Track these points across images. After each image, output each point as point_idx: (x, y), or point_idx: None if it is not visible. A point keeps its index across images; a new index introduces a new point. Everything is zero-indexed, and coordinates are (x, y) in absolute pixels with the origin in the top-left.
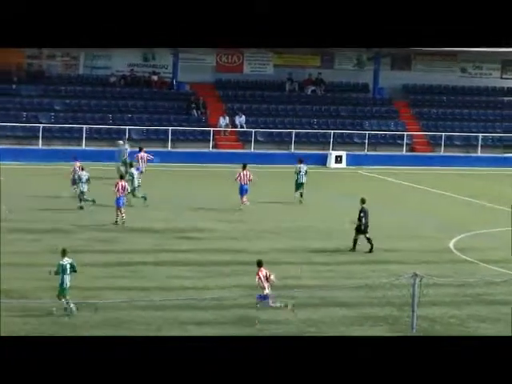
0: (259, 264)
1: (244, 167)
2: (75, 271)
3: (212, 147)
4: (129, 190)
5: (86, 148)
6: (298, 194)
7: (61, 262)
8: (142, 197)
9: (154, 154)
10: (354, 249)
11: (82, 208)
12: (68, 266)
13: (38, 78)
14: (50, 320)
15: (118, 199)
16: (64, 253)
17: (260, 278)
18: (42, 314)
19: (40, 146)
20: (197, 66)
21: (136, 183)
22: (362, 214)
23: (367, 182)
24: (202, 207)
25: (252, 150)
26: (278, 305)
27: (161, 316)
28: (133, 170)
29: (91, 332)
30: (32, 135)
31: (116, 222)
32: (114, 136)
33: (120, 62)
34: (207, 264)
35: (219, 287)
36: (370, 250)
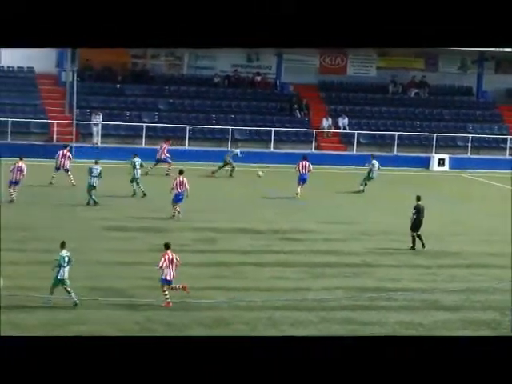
0: (166, 246)
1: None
2: (70, 263)
3: (314, 148)
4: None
5: (189, 148)
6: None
7: (60, 254)
8: None
9: (257, 154)
10: (413, 247)
11: (88, 203)
12: (66, 259)
13: (143, 78)
14: (158, 319)
15: (176, 195)
16: (63, 245)
17: (165, 260)
18: (148, 311)
19: (143, 145)
20: (300, 68)
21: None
22: (414, 211)
23: (469, 185)
24: (304, 208)
25: (354, 152)
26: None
27: (257, 316)
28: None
29: (198, 332)
30: (135, 134)
31: (173, 216)
32: (217, 136)
33: (224, 62)
34: (310, 265)
35: (322, 288)
36: (423, 246)
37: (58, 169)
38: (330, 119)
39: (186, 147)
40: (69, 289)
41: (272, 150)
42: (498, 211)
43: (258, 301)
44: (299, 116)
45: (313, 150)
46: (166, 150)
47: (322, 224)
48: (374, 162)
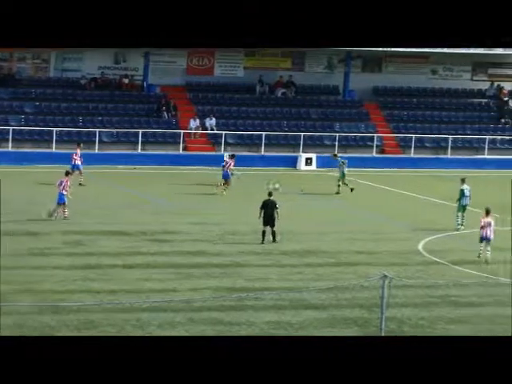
0: None
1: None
2: None
3: (182, 149)
4: None
5: (56, 151)
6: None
7: None
8: None
9: (124, 156)
10: (262, 241)
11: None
12: None
13: (8, 81)
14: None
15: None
16: None
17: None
18: None
19: (10, 149)
20: (167, 69)
21: None
22: (261, 205)
23: (336, 183)
24: (171, 210)
25: (222, 152)
26: None
27: (125, 318)
28: None
29: (64, 334)
30: (1, 138)
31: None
32: (84, 139)
33: (91, 64)
34: (177, 266)
35: (190, 289)
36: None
37: None
38: (197, 120)
39: (53, 150)
40: None
41: (139, 151)
42: (365, 209)
43: (126, 302)
44: (167, 117)
45: (181, 151)
46: (79, 156)
47: (191, 225)
48: (345, 160)
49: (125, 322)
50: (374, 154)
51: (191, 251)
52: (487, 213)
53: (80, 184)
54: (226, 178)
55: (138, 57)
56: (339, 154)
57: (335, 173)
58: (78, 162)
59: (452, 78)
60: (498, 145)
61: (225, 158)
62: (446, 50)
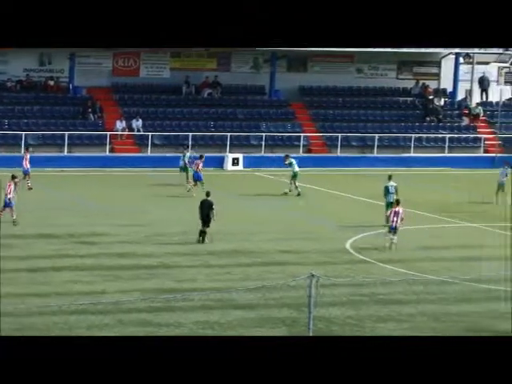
0: None
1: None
2: None
3: (109, 151)
4: None
5: None
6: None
7: None
8: None
9: (50, 159)
10: (202, 241)
11: None
12: None
13: None
14: None
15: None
16: None
17: None
18: None
19: None
20: (93, 70)
21: None
22: (200, 205)
23: (263, 183)
24: (99, 212)
25: (149, 153)
26: None
27: (53, 321)
28: None
29: None
30: None
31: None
32: (9, 142)
33: (16, 66)
34: (105, 268)
35: (118, 291)
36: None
37: None
38: (123, 121)
39: None
40: None
41: (66, 153)
42: (293, 209)
43: (54, 305)
44: (93, 119)
45: (107, 153)
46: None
47: (119, 227)
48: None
49: (53, 324)
50: (301, 154)
51: (119, 253)
52: (397, 203)
53: (29, 188)
54: (197, 179)
55: (63, 59)
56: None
57: (260, 173)
58: (28, 166)
59: (377, 77)
60: (423, 143)
61: (186, 160)
62: (370, 48)
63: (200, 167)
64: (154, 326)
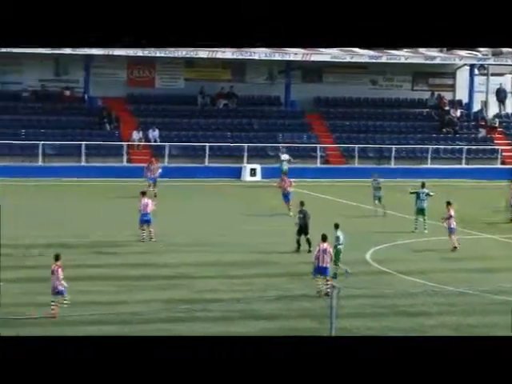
0: None
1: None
2: None
3: (126, 161)
4: None
5: None
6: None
7: None
8: None
9: (67, 169)
10: (298, 249)
11: None
12: None
13: None
14: None
15: None
16: None
17: None
18: None
19: None
20: (108, 81)
21: None
22: (300, 215)
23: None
24: (119, 222)
25: (166, 164)
26: None
27: (72, 331)
28: None
29: None
30: None
31: None
32: (26, 152)
33: (31, 77)
34: (124, 279)
35: (139, 301)
36: (309, 251)
37: None
38: (140, 132)
39: None
40: None
41: (83, 164)
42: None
43: (74, 315)
44: (109, 129)
45: (124, 163)
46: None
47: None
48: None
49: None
50: (318, 165)
51: (140, 263)
52: (323, 239)
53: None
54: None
55: (78, 69)
56: None
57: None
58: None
59: (392, 88)
60: (440, 154)
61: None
62: (385, 59)
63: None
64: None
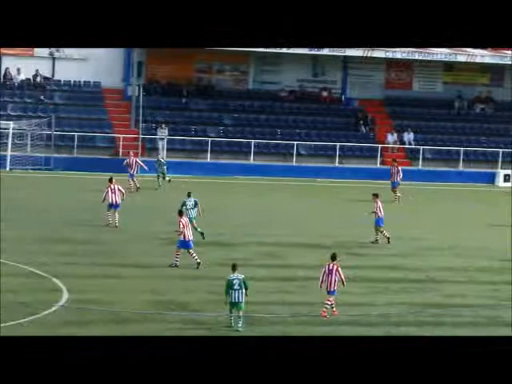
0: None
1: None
2: (246, 287)
3: (380, 164)
4: None
5: (254, 163)
6: None
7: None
8: None
9: (321, 169)
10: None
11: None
12: (236, 282)
13: (208, 92)
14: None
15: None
16: (234, 268)
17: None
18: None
19: (208, 160)
20: (366, 82)
21: None
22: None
23: None
24: (370, 224)
25: (420, 167)
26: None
27: (321, 331)
28: None
29: None
30: (200, 149)
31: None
32: (281, 151)
33: (289, 77)
34: (374, 280)
35: (386, 304)
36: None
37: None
38: (395, 134)
39: (251, 162)
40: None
41: (337, 165)
42: None
43: (317, 315)
44: (364, 131)
45: (378, 165)
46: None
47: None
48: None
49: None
50: None
51: (388, 265)
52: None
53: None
54: None
55: (336, 70)
56: None
57: None
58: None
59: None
60: None
61: None
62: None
63: None
64: None
